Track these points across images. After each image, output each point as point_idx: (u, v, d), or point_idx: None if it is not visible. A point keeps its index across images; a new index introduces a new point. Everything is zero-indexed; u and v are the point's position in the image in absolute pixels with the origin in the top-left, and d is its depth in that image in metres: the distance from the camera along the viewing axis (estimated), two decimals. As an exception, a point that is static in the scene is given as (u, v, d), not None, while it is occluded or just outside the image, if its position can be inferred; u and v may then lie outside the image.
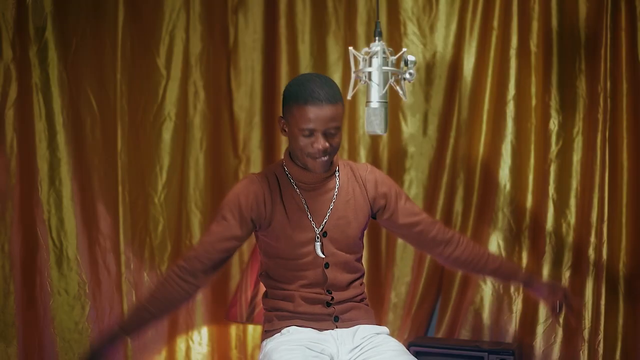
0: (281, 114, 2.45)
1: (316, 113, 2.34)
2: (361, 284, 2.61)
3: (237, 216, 2.44)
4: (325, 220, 2.50)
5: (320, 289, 2.51)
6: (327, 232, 2.50)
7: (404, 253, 3.56)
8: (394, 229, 2.65)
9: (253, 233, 2.54)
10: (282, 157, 2.54)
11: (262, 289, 2.64)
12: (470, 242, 2.64)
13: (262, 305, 2.63)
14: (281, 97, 3.60)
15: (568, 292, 2.69)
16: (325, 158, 2.41)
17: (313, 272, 2.50)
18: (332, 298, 2.52)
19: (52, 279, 3.33)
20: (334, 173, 2.53)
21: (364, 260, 3.36)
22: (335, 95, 2.37)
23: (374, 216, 2.62)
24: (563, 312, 2.68)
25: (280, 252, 2.51)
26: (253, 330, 3.60)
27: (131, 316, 2.51)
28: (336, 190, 2.52)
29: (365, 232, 3.55)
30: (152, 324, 2.48)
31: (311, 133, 2.36)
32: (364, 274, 2.62)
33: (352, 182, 2.56)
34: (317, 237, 2.49)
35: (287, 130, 2.44)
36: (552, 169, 3.34)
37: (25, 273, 3.32)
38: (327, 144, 2.37)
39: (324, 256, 2.49)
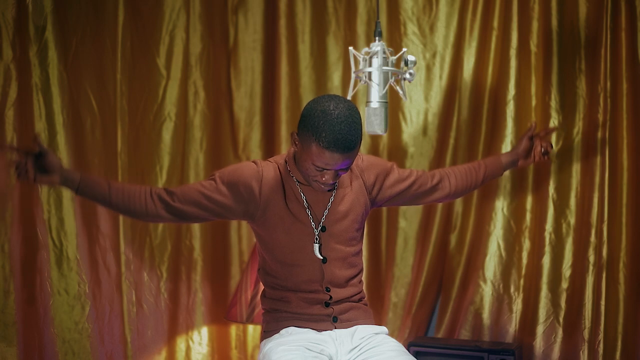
0: (296, 131, 2.41)
1: (335, 160, 2.33)
2: (360, 282, 2.61)
3: (225, 183, 2.46)
4: (324, 215, 2.51)
5: (318, 285, 2.51)
6: (325, 227, 2.50)
7: (404, 253, 3.56)
8: (399, 199, 2.68)
9: (252, 229, 2.55)
10: (285, 152, 2.55)
11: (262, 288, 2.64)
12: (454, 168, 2.82)
13: (261, 304, 2.63)
14: (281, 98, 3.65)
15: (534, 133, 2.97)
16: (329, 187, 2.45)
17: (310, 267, 2.50)
18: (331, 297, 2.52)
19: (52, 278, 3.33)
20: None
21: (364, 260, 3.36)
22: (357, 141, 2.33)
23: (374, 203, 2.62)
24: (548, 150, 2.95)
25: (277, 246, 2.51)
26: (253, 330, 3.60)
27: (95, 182, 2.42)
28: (335, 185, 2.53)
29: (366, 232, 3.56)
30: (99, 203, 2.43)
31: (325, 169, 2.38)
32: (362, 270, 2.63)
33: (349, 174, 2.57)
34: (316, 239, 2.49)
35: (298, 150, 2.42)
36: (552, 169, 3.34)
37: (25, 273, 3.32)
38: (336, 178, 2.42)
39: (321, 257, 2.49)
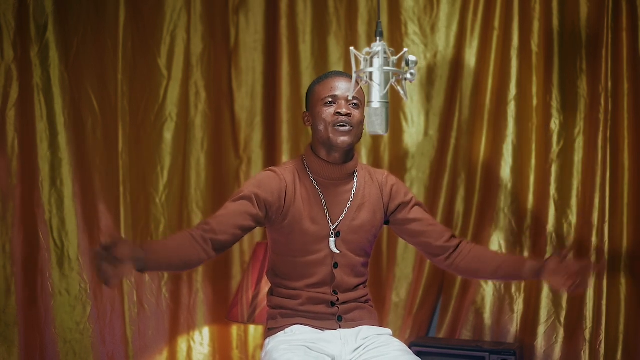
0: (305, 110, 2.59)
1: (337, 82, 2.51)
2: (365, 287, 2.63)
3: (254, 197, 2.44)
4: (340, 220, 2.51)
5: (327, 287, 2.52)
6: (340, 233, 2.51)
7: (406, 253, 3.56)
8: (402, 234, 2.67)
9: (267, 232, 2.56)
10: (303, 152, 2.60)
11: (263, 289, 2.65)
12: (474, 249, 2.61)
13: (266, 302, 2.64)
14: (282, 98, 3.66)
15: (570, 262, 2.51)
16: (348, 128, 2.45)
17: (322, 270, 2.51)
18: (338, 299, 2.52)
19: (53, 279, 3.33)
20: (352, 173, 2.55)
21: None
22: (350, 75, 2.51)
23: (387, 222, 2.63)
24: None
25: (291, 249, 2.52)
26: (254, 331, 3.60)
27: (155, 251, 2.30)
28: (353, 191, 2.54)
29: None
30: (163, 270, 2.32)
31: (334, 100, 2.48)
32: (367, 279, 2.64)
33: (370, 185, 2.58)
34: (332, 233, 2.50)
35: (311, 119, 2.54)
36: (554, 169, 3.34)
37: (26, 273, 3.32)
38: (349, 111, 2.46)
39: (338, 251, 2.50)
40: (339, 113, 2.47)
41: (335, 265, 2.52)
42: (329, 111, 2.48)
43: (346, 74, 2.56)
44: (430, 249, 2.63)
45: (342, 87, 2.50)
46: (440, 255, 2.62)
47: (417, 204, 2.64)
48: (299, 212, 2.49)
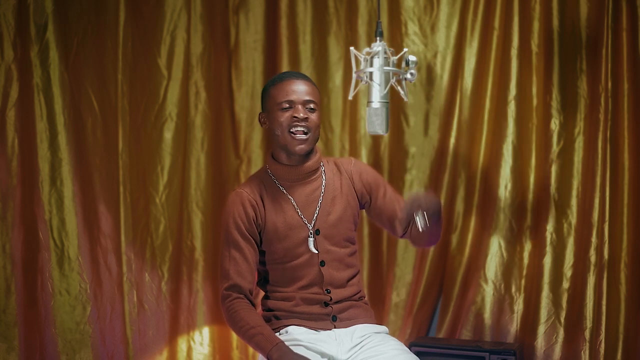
0: (261, 111, 2.57)
1: (292, 86, 2.48)
2: (359, 281, 2.62)
3: (246, 235, 2.50)
4: (315, 217, 2.51)
5: (318, 288, 2.52)
6: (319, 230, 2.51)
7: (406, 253, 3.56)
8: (379, 218, 2.64)
9: None
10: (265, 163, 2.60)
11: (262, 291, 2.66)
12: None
13: (261, 306, 2.64)
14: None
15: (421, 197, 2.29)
16: (305, 136, 2.46)
17: (309, 271, 2.51)
18: (331, 298, 2.52)
19: (53, 279, 3.33)
20: (318, 169, 2.56)
21: (365, 260, 3.35)
22: (309, 79, 2.52)
23: (362, 207, 2.63)
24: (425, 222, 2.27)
25: (275, 258, 2.53)
26: (254, 331, 3.60)
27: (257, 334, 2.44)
28: (322, 187, 2.54)
29: (366, 232, 3.55)
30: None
31: (290, 105, 2.47)
32: (359, 271, 2.64)
33: (338, 176, 2.58)
34: (310, 233, 2.50)
35: (267, 121, 2.53)
36: (554, 169, 3.34)
37: (26, 273, 3.32)
38: (306, 115, 2.45)
39: (317, 251, 2.50)
40: (296, 117, 2.46)
41: (322, 263, 2.52)
42: (286, 115, 2.47)
43: (301, 76, 2.54)
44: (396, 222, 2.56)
45: (298, 91, 2.48)
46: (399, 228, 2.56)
47: (385, 187, 2.61)
48: (272, 223, 2.51)
